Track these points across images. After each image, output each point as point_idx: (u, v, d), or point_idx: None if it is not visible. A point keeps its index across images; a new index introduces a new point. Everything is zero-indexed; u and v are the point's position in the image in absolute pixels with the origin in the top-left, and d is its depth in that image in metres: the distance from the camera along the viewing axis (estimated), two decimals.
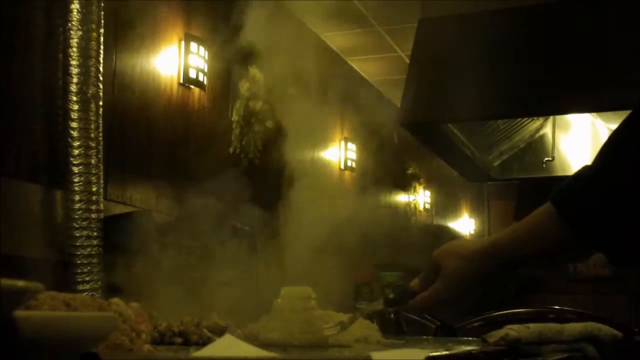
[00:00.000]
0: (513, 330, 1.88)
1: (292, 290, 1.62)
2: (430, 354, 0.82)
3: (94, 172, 2.32)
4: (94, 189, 2.32)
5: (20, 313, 0.72)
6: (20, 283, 0.67)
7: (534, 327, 1.93)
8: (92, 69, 2.33)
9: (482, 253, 1.39)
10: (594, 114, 4.02)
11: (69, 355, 0.82)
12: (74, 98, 2.29)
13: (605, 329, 2.03)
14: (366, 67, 5.26)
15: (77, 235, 2.27)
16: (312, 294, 1.62)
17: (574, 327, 2.01)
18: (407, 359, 0.74)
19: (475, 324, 2.39)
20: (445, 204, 7.07)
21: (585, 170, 1.24)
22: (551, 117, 4.04)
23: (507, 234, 1.37)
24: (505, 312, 2.36)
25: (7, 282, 0.65)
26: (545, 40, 2.98)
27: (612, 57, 2.78)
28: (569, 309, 2.30)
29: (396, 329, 2.09)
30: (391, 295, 1.57)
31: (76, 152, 2.28)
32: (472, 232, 7.84)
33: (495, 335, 1.87)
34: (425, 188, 6.33)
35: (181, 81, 3.10)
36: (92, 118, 2.32)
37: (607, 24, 2.82)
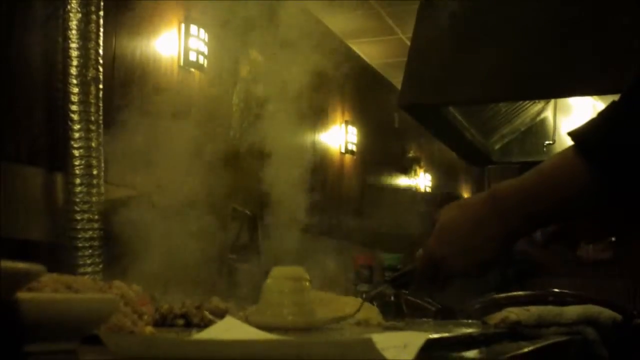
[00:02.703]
0: (513, 313, 1.89)
1: (283, 271, 1.54)
2: (431, 336, 0.82)
3: (94, 155, 2.32)
4: (95, 173, 2.32)
5: (22, 295, 0.72)
6: (22, 265, 0.67)
7: (534, 309, 1.94)
8: (92, 52, 2.32)
9: (482, 202, 1.20)
10: (596, 97, 4.01)
11: (71, 337, 0.83)
12: (74, 81, 2.29)
13: (605, 312, 2.04)
14: (367, 50, 5.25)
15: (78, 218, 2.28)
16: (305, 274, 1.55)
17: (574, 310, 2.02)
18: (408, 341, 0.74)
19: (476, 307, 2.40)
20: (446, 187, 7.07)
21: (611, 107, 1.07)
22: (552, 100, 4.03)
23: (512, 181, 1.17)
24: (505, 295, 2.36)
25: (9, 264, 0.66)
26: (547, 22, 2.96)
27: (615, 39, 2.77)
28: (568, 292, 2.31)
29: (396, 311, 2.09)
30: (390, 276, 1.52)
31: (76, 135, 2.28)
32: None
33: (495, 318, 1.88)
34: (425, 171, 6.33)
35: (181, 64, 3.09)
36: (92, 101, 2.32)
37: (610, 5, 2.81)
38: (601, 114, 1.07)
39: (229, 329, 0.89)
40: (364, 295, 1.96)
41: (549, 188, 1.11)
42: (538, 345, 1.58)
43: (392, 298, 2.08)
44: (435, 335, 1.22)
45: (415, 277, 1.37)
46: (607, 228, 1.39)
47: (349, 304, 1.79)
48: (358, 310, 1.57)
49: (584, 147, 1.06)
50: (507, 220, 1.16)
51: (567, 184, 1.08)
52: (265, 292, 1.53)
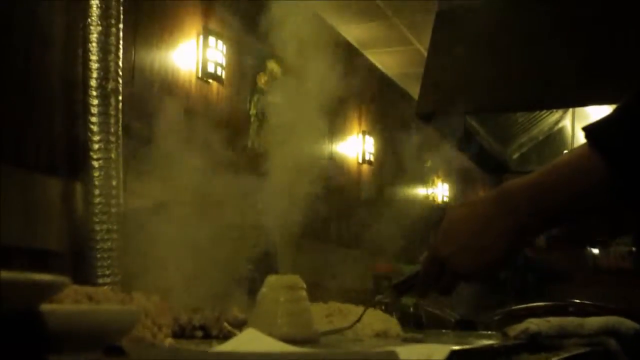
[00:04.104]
0: (533, 324, 1.88)
1: (278, 279, 1.49)
2: (454, 348, 0.82)
3: (113, 166, 2.33)
4: (114, 183, 2.33)
5: (46, 307, 0.73)
6: (47, 277, 0.68)
7: (554, 320, 1.93)
8: (112, 63, 2.34)
9: (491, 199, 1.14)
10: (614, 105, 3.99)
11: (94, 348, 0.83)
12: (94, 93, 2.30)
13: (626, 323, 2.02)
14: (383, 60, 5.24)
15: (97, 229, 2.28)
16: (301, 282, 1.49)
17: (595, 321, 2.00)
18: (431, 353, 0.74)
19: (496, 318, 2.39)
20: (464, 197, 7.05)
21: (625, 103, 1.05)
22: (570, 109, 4.03)
23: (522, 178, 1.12)
24: (525, 305, 2.35)
25: (34, 275, 0.66)
26: (564, 32, 2.96)
27: (632, 49, 2.76)
28: (589, 302, 2.30)
29: (415, 322, 2.09)
30: (394, 281, 1.41)
31: (96, 146, 2.29)
32: None
33: (515, 329, 1.87)
34: (443, 181, 6.31)
35: (200, 75, 3.10)
36: (112, 112, 2.33)
37: (629, 14, 2.80)
38: (616, 110, 1.05)
39: (251, 340, 0.89)
40: (383, 307, 1.95)
41: (562, 183, 1.06)
42: (559, 357, 1.57)
43: (411, 309, 2.08)
44: (458, 347, 1.20)
45: (419, 279, 1.29)
46: (615, 230, 1.34)
47: (367, 314, 1.78)
48: (358, 321, 1.52)
49: (599, 141, 1.02)
50: (517, 217, 1.10)
51: (581, 179, 1.04)
52: (260, 301, 1.47)
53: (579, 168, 1.04)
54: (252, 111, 3.44)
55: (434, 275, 1.23)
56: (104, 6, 2.31)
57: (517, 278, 6.25)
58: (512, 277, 6.27)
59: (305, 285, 1.49)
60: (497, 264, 1.17)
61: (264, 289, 1.48)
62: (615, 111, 1.05)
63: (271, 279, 1.50)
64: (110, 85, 2.32)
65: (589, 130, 1.05)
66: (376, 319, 1.78)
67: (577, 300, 2.32)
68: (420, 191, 6.01)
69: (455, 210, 1.21)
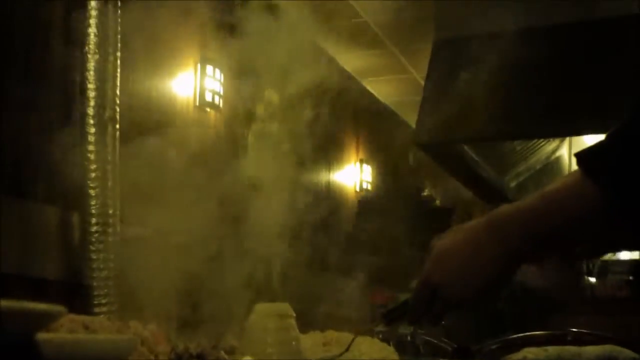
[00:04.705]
0: (531, 353, 1.87)
1: (267, 307, 1.47)
2: None
3: (110, 195, 2.33)
4: (111, 212, 2.33)
5: (42, 336, 0.72)
6: (43, 306, 0.67)
7: (552, 349, 1.92)
8: (109, 92, 2.34)
9: (482, 224, 1.12)
10: None
11: None
12: (91, 121, 2.30)
13: (624, 352, 2.01)
14: (381, 88, 5.27)
15: (94, 257, 2.28)
16: (290, 311, 1.47)
17: (593, 350, 1.99)
18: None
19: (493, 347, 2.38)
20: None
21: (618, 129, 1.02)
22: (567, 139, 4.04)
23: (512, 204, 1.11)
24: (522, 334, 2.34)
25: (30, 305, 0.66)
26: (561, 62, 2.98)
27: (630, 78, 2.77)
28: (587, 331, 2.28)
29: (413, 351, 2.08)
30: (384, 310, 1.37)
31: (93, 175, 2.29)
32: None
33: (513, 358, 1.86)
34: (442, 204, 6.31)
35: (197, 104, 3.11)
36: (109, 141, 2.33)
37: (625, 45, 2.82)
38: (608, 136, 1.03)
39: None
40: (380, 336, 1.94)
41: (554, 209, 1.04)
42: None
43: (409, 337, 2.07)
44: None
45: (409, 307, 1.26)
46: (606, 245, 1.30)
47: (364, 343, 1.77)
48: (347, 350, 1.48)
49: (591, 167, 1.01)
50: (508, 244, 1.09)
51: (573, 205, 1.02)
52: (249, 329, 1.45)
53: (571, 194, 1.03)
54: (250, 139, 3.44)
55: (424, 303, 1.21)
56: (101, 34, 2.32)
57: (515, 308, 6.24)
58: (510, 307, 6.26)
59: (294, 314, 1.47)
60: (488, 291, 1.15)
61: (252, 317, 1.46)
62: (607, 137, 1.03)
63: (260, 307, 1.47)
64: (108, 113, 2.32)
65: (581, 156, 1.04)
66: (373, 348, 1.77)
67: (575, 329, 2.31)
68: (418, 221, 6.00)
69: (445, 237, 1.18)
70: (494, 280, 1.13)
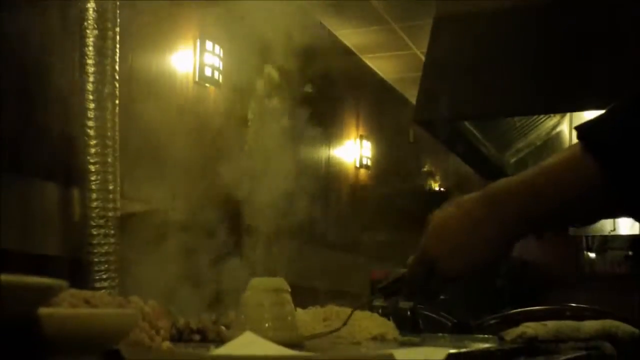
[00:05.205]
0: (530, 328, 1.88)
1: (262, 282, 1.45)
2: (451, 352, 0.82)
3: (110, 170, 2.33)
4: (111, 188, 2.33)
5: (44, 310, 0.73)
6: (45, 281, 0.68)
7: (551, 324, 1.93)
8: (108, 68, 2.34)
9: (479, 201, 1.11)
10: None
11: (91, 353, 0.83)
12: (91, 97, 2.30)
13: (623, 327, 2.02)
14: (382, 65, 5.25)
15: (94, 233, 2.28)
16: (285, 285, 1.45)
17: (592, 325, 2.00)
18: (429, 357, 0.74)
19: (492, 322, 2.39)
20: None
21: (620, 103, 1.00)
22: (568, 114, 4.03)
23: (510, 181, 1.08)
24: (521, 310, 2.35)
25: (31, 279, 0.66)
26: (561, 37, 2.96)
27: (629, 53, 2.76)
28: (586, 306, 2.29)
29: (412, 326, 2.08)
30: (380, 285, 1.37)
31: (93, 150, 2.29)
32: None
33: (512, 333, 1.86)
34: (440, 186, 6.32)
35: (197, 79, 3.10)
36: (109, 117, 2.33)
37: (625, 20, 2.81)
38: (609, 110, 1.01)
39: (249, 344, 0.89)
40: (380, 311, 1.95)
41: (552, 188, 1.02)
42: None
43: (408, 313, 2.08)
44: (454, 351, 1.20)
45: (406, 281, 1.26)
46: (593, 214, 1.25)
47: (364, 319, 1.78)
48: (345, 324, 1.47)
49: (591, 140, 0.98)
50: (504, 223, 1.08)
51: (572, 182, 0.99)
52: (244, 305, 1.43)
53: (570, 169, 1.00)
54: (250, 115, 3.43)
55: (421, 277, 1.21)
56: (100, 10, 2.31)
57: (514, 285, 6.26)
58: (509, 284, 6.28)
59: (289, 288, 1.45)
60: (485, 267, 1.15)
61: (247, 292, 1.44)
62: (608, 111, 1.01)
63: (255, 281, 1.45)
64: (107, 89, 2.32)
65: (581, 129, 1.01)
66: (373, 323, 1.78)
67: (574, 305, 2.32)
68: (418, 196, 6.01)
69: (443, 210, 1.17)
70: (490, 257, 1.13)
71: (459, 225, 1.13)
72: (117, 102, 2.36)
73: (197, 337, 1.56)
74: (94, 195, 2.29)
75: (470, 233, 1.11)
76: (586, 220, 1.14)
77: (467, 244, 1.12)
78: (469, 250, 1.13)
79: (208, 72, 3.13)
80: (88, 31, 2.31)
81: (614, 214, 1.09)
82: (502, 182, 1.10)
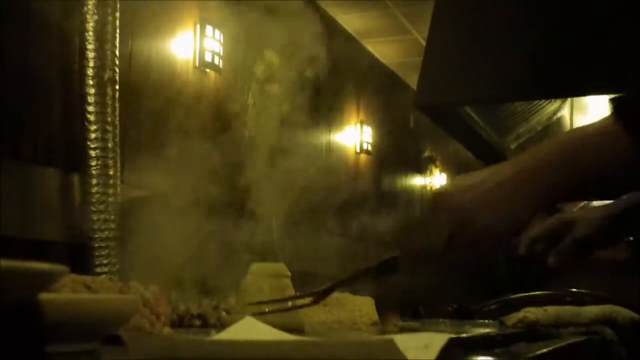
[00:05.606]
0: (530, 312, 1.88)
1: (263, 267, 1.45)
2: (452, 337, 0.82)
3: (110, 155, 2.33)
4: (111, 173, 2.33)
5: (44, 296, 0.73)
6: (45, 266, 0.67)
7: (551, 309, 1.93)
8: (108, 52, 2.33)
9: (510, 171, 1.06)
10: (612, 95, 3.98)
11: (92, 338, 0.83)
12: (91, 82, 2.30)
13: (623, 312, 2.03)
14: (382, 50, 5.24)
15: (95, 218, 2.28)
16: (286, 270, 1.45)
17: (592, 310, 2.01)
18: (429, 342, 0.74)
19: (492, 307, 2.39)
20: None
21: None
22: (569, 99, 4.02)
23: (543, 150, 1.05)
24: (522, 295, 2.36)
25: (32, 265, 0.66)
26: (563, 21, 2.95)
27: (632, 38, 2.75)
28: (586, 291, 2.30)
29: (413, 311, 2.09)
30: (372, 266, 1.25)
31: (93, 135, 2.29)
32: None
33: (512, 318, 1.87)
34: (441, 171, 6.32)
35: (197, 64, 3.10)
36: (109, 102, 2.33)
37: (628, 4, 2.79)
38: None
39: (249, 329, 0.89)
40: None
41: (588, 153, 0.99)
42: (556, 346, 1.57)
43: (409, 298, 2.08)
44: (455, 336, 1.21)
45: (431, 247, 1.14)
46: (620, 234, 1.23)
47: (365, 304, 1.79)
48: (318, 301, 1.34)
49: (626, 114, 0.96)
50: (541, 190, 1.03)
51: (607, 149, 0.97)
52: (244, 290, 1.43)
53: (603, 136, 0.98)
54: (250, 101, 3.43)
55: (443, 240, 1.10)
56: None
57: (514, 271, 6.27)
58: (509, 270, 6.28)
59: (289, 274, 1.45)
60: (519, 230, 1.10)
61: (248, 278, 1.44)
62: None
63: (256, 267, 1.45)
64: (107, 74, 2.31)
65: (615, 100, 1.00)
66: (373, 309, 1.78)
67: (574, 290, 2.32)
68: (418, 181, 6.02)
69: (468, 177, 1.11)
70: (526, 220, 1.08)
71: (493, 192, 1.07)
72: (117, 87, 2.36)
73: (197, 322, 1.57)
74: (94, 181, 2.29)
75: (507, 202, 1.06)
76: (618, 192, 1.10)
77: (504, 210, 1.06)
78: (506, 214, 1.06)
79: (208, 57, 3.12)
80: (88, 16, 2.30)
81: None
82: (533, 153, 1.06)
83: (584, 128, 1.03)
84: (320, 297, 1.29)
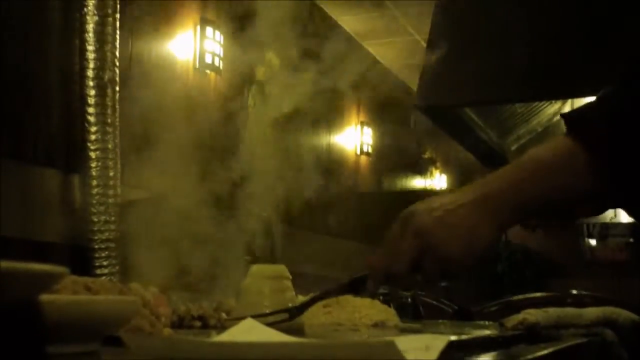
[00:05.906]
0: (531, 314, 1.88)
1: (263, 269, 1.43)
2: (452, 339, 0.82)
3: (111, 157, 2.33)
4: (111, 174, 2.33)
5: (45, 297, 0.73)
6: (45, 267, 0.67)
7: (552, 311, 1.93)
8: (109, 54, 2.33)
9: (470, 200, 1.07)
10: None
11: (93, 339, 0.83)
12: (91, 83, 2.30)
13: (624, 314, 2.02)
14: (382, 51, 5.24)
15: (95, 220, 2.28)
16: (286, 272, 1.44)
17: (593, 312, 2.00)
18: (430, 343, 0.74)
19: (493, 309, 2.39)
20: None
21: (608, 92, 1.01)
22: (569, 101, 4.02)
23: (499, 177, 1.06)
24: (523, 296, 2.35)
25: (32, 266, 0.66)
26: (563, 23, 2.95)
27: (632, 38, 2.75)
28: (587, 293, 2.30)
29: (413, 312, 2.09)
30: (345, 282, 1.27)
31: (93, 137, 2.29)
32: None
33: (513, 320, 1.86)
34: (441, 172, 6.32)
35: (197, 66, 3.10)
36: (109, 103, 2.33)
37: (628, 6, 2.79)
38: (598, 98, 1.01)
39: (250, 330, 0.89)
40: (380, 298, 1.95)
41: (542, 176, 1.01)
42: (556, 348, 1.56)
43: (409, 300, 2.08)
44: (456, 338, 1.20)
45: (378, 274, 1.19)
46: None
47: (364, 305, 1.78)
48: (301, 313, 1.35)
49: (579, 128, 0.98)
50: (500, 217, 1.06)
51: (562, 169, 0.99)
52: (244, 292, 1.42)
53: (559, 156, 1.00)
54: (250, 102, 3.43)
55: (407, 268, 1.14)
56: None
57: (515, 272, 6.27)
58: (510, 271, 6.29)
59: (290, 275, 1.44)
60: (482, 255, 1.11)
61: (248, 279, 1.42)
62: (596, 99, 1.02)
63: (255, 268, 1.44)
64: (107, 75, 2.31)
65: (568, 118, 1.02)
66: (374, 310, 1.78)
67: (575, 291, 2.32)
68: (418, 182, 6.02)
69: (424, 211, 1.12)
70: (485, 248, 1.09)
71: (455, 220, 1.08)
72: (117, 88, 2.36)
73: (198, 323, 1.56)
74: (95, 182, 2.29)
75: (467, 228, 1.08)
76: (575, 213, 1.12)
77: (464, 237, 1.08)
78: (466, 242, 1.09)
79: (208, 58, 3.12)
80: (88, 17, 2.30)
81: (603, 206, 1.08)
82: (491, 181, 1.08)
83: (538, 151, 1.04)
84: (295, 314, 1.30)
